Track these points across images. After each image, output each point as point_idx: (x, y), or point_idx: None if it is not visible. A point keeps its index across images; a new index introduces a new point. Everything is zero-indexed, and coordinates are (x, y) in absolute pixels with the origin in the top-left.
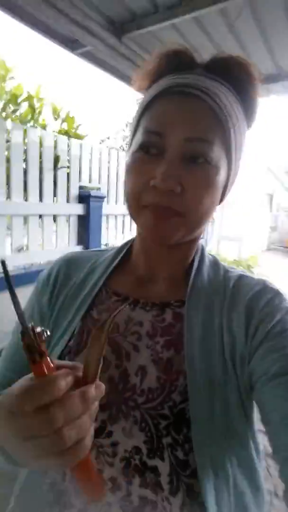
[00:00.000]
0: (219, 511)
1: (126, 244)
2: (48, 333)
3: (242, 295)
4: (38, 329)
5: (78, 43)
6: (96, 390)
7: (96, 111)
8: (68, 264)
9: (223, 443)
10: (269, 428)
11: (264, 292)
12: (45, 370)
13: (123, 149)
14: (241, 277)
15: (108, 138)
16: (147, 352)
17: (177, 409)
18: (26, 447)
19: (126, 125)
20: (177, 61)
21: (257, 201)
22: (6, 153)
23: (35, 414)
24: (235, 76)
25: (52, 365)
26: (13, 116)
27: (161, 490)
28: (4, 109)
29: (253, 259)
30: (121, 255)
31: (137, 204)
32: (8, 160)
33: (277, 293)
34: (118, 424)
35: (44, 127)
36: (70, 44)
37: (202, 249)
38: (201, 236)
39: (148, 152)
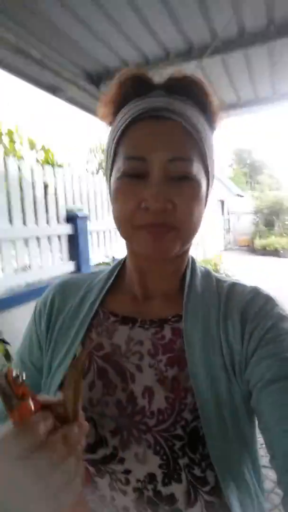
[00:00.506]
0: None
1: (118, 264)
2: (24, 376)
3: (235, 304)
4: (14, 374)
5: (60, 89)
6: (79, 429)
7: (70, 137)
8: (63, 289)
9: (239, 455)
10: (266, 435)
11: (257, 299)
12: (22, 416)
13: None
14: (233, 286)
15: (87, 162)
16: (151, 371)
17: (189, 428)
18: (8, 495)
19: (90, 151)
20: (138, 85)
21: (211, 206)
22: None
23: (16, 462)
24: (194, 94)
25: (32, 407)
26: None
27: None
28: None
29: (218, 258)
30: (115, 275)
31: (130, 226)
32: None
33: (269, 299)
34: (130, 450)
35: (19, 158)
36: (52, 90)
37: (193, 261)
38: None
39: (132, 176)
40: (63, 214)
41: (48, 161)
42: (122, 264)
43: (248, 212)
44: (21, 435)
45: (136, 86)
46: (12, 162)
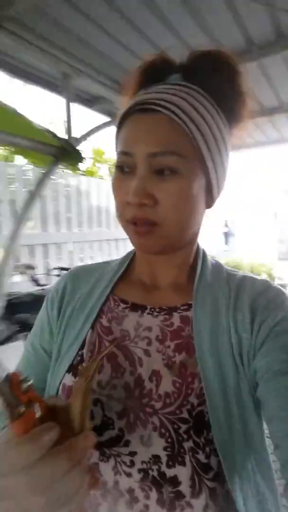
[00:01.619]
0: None
1: (129, 253)
2: (30, 381)
3: (246, 295)
4: (18, 378)
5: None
6: (84, 441)
7: None
8: (75, 277)
9: (242, 444)
10: (271, 425)
11: (267, 291)
12: (26, 427)
13: None
14: (244, 278)
15: None
16: (159, 356)
17: (195, 412)
18: (8, 506)
19: None
20: (152, 74)
21: (264, 218)
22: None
23: (17, 472)
24: (208, 75)
25: (38, 412)
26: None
27: (182, 497)
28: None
29: (271, 266)
30: (126, 264)
31: (122, 220)
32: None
33: (280, 292)
34: (136, 433)
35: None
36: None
37: (204, 253)
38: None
39: (123, 171)
40: None
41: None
42: (133, 254)
43: None
44: (23, 446)
45: (149, 76)
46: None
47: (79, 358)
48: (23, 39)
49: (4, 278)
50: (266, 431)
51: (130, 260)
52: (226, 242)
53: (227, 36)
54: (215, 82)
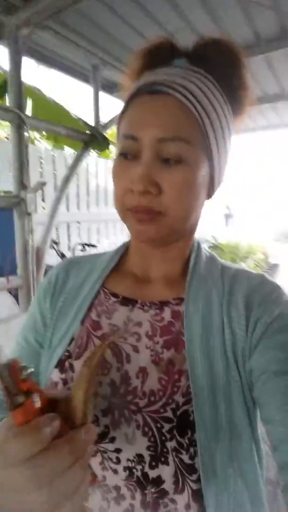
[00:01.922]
0: None
1: (122, 246)
2: (30, 369)
3: (240, 290)
4: (18, 365)
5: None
6: (86, 434)
7: None
8: (67, 268)
9: (227, 448)
10: (269, 426)
11: (262, 286)
12: (25, 417)
13: None
14: (238, 272)
15: None
16: (147, 353)
17: (180, 411)
18: (7, 501)
19: None
20: (157, 57)
21: (261, 201)
22: None
23: (17, 466)
24: (215, 63)
25: (38, 403)
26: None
27: (166, 494)
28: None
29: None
30: (118, 257)
31: (122, 209)
32: None
33: (275, 287)
34: (121, 430)
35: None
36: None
37: (198, 246)
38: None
39: (127, 157)
40: None
41: None
42: (127, 247)
43: None
44: (23, 438)
45: (154, 58)
46: None
47: (67, 353)
48: (61, 35)
49: (44, 251)
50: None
51: (123, 252)
52: (226, 224)
53: (237, 31)
54: (222, 70)
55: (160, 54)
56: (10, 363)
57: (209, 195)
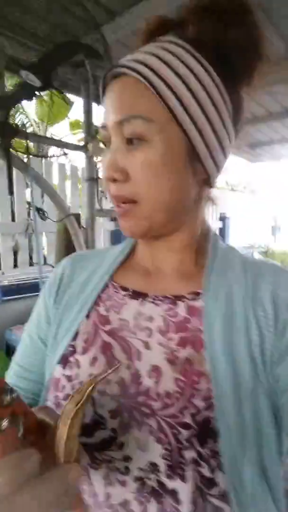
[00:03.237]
0: None
1: (131, 239)
2: (15, 394)
3: (266, 285)
4: (1, 388)
5: None
6: (65, 475)
7: None
8: (73, 263)
9: (255, 461)
10: None
11: None
12: (4, 449)
13: None
14: (262, 265)
15: None
16: (160, 349)
17: (201, 417)
18: None
19: None
20: (150, 37)
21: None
22: None
23: None
24: (203, 28)
25: (20, 432)
26: None
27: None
28: None
29: None
30: (128, 250)
31: (112, 201)
32: None
33: None
34: (131, 435)
35: None
36: None
37: (215, 237)
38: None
39: (107, 146)
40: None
41: None
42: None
43: None
44: (4, 471)
45: (150, 36)
46: None
47: (71, 349)
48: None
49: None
50: None
51: (133, 245)
52: (273, 236)
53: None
54: (211, 33)
55: (152, 34)
56: None
57: (201, 176)
